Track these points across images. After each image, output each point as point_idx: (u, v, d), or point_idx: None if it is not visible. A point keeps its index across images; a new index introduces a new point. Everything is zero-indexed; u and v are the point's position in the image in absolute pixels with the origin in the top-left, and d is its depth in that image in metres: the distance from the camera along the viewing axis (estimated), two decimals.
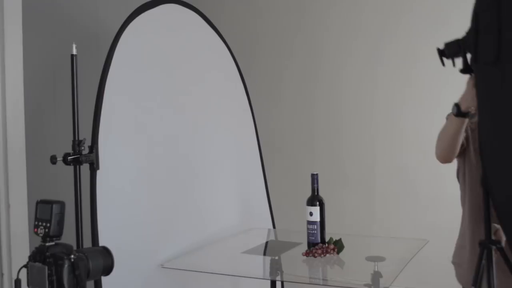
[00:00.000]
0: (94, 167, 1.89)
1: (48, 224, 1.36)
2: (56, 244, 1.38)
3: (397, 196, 3.17)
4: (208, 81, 2.59)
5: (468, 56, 1.34)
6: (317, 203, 2.12)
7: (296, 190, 2.61)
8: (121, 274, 1.65)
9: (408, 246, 2.16)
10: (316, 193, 2.14)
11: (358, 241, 2.44)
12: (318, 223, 2.11)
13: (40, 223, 1.38)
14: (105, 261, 1.44)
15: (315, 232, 2.11)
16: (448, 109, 1.65)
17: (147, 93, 2.23)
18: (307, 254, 2.08)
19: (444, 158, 1.81)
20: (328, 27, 3.23)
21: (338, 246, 2.09)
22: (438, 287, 2.72)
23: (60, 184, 2.18)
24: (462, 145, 1.81)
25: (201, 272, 2.16)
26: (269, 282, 2.33)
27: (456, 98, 1.63)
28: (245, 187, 2.76)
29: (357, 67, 3.24)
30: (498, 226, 1.56)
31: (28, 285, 1.37)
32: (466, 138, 1.83)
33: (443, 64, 1.48)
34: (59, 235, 1.39)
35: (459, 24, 1.50)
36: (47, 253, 1.34)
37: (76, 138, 1.86)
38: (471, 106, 1.55)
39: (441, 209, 3.00)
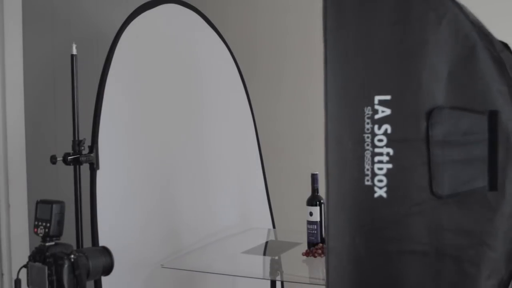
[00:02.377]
0: (94, 167, 1.89)
1: (48, 224, 1.36)
2: (56, 244, 1.38)
3: None
4: (208, 81, 2.59)
5: None
6: (317, 203, 2.12)
7: (296, 190, 2.60)
8: (121, 274, 1.65)
9: None
10: (316, 193, 2.14)
11: None
12: (318, 223, 2.11)
13: (40, 223, 1.38)
14: (105, 261, 1.45)
15: (315, 232, 2.11)
16: None
17: (147, 93, 2.23)
18: (307, 254, 2.08)
19: None
20: None
21: None
22: None
23: (60, 184, 2.18)
24: None
25: (201, 272, 2.16)
26: (269, 282, 2.33)
27: None
28: (245, 187, 2.76)
29: None
30: None
31: (28, 285, 1.37)
32: None
33: None
34: (59, 235, 1.39)
35: None
36: (47, 253, 1.35)
37: (76, 138, 1.86)
38: None
39: None
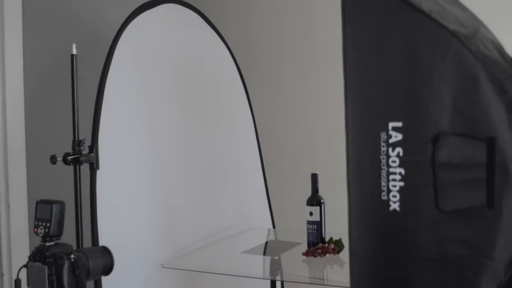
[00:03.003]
0: (94, 167, 1.89)
1: (48, 224, 1.36)
2: (56, 244, 1.38)
3: None
4: (208, 81, 2.59)
5: None
6: (317, 203, 2.12)
7: (296, 190, 2.60)
8: (121, 274, 1.65)
9: None
10: (316, 193, 2.14)
11: None
12: (318, 223, 2.11)
13: (40, 223, 1.38)
14: (105, 261, 1.45)
15: (315, 232, 2.11)
16: None
17: (147, 93, 2.23)
18: (307, 254, 2.08)
19: None
20: (330, 28, 3.23)
21: (338, 246, 2.09)
22: None
23: (60, 184, 2.18)
24: None
25: (201, 272, 2.16)
26: (269, 282, 2.33)
27: None
28: (245, 187, 2.76)
29: None
30: None
31: (28, 285, 1.37)
32: None
33: None
34: (59, 235, 1.39)
35: None
36: (47, 253, 1.35)
37: (76, 138, 1.86)
38: None
39: None
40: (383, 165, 1.06)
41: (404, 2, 1.02)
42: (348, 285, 1.25)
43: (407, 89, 1.04)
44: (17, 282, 1.36)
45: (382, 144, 1.05)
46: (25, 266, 1.38)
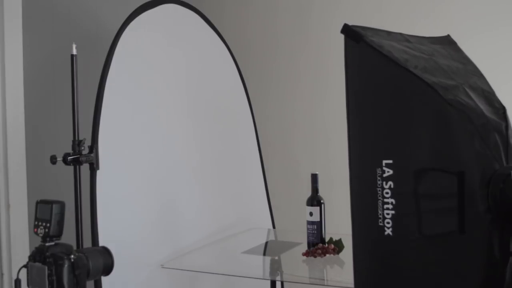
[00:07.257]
0: (94, 167, 1.89)
1: (48, 224, 1.36)
2: (56, 244, 1.38)
3: None
4: (207, 81, 2.59)
5: None
6: (317, 203, 2.12)
7: (296, 190, 2.60)
8: (121, 274, 1.65)
9: None
10: (316, 193, 2.14)
11: None
12: (318, 223, 2.11)
13: (40, 223, 1.38)
14: (105, 261, 1.45)
15: (315, 232, 2.11)
16: None
17: (147, 92, 2.23)
18: (307, 254, 2.08)
19: None
20: (329, 28, 3.23)
21: (338, 246, 2.09)
22: None
23: (60, 184, 2.18)
24: None
25: (201, 272, 2.16)
26: (269, 282, 2.33)
27: None
28: (245, 187, 2.76)
29: None
30: None
31: (28, 285, 1.37)
32: None
33: None
34: (59, 235, 1.39)
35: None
36: (47, 253, 1.35)
37: (76, 138, 1.86)
38: None
39: None
40: (379, 196, 1.23)
41: (391, 61, 1.21)
42: (348, 285, 1.35)
43: (395, 131, 1.23)
44: (17, 282, 1.36)
45: (378, 178, 1.23)
46: (25, 266, 1.38)
